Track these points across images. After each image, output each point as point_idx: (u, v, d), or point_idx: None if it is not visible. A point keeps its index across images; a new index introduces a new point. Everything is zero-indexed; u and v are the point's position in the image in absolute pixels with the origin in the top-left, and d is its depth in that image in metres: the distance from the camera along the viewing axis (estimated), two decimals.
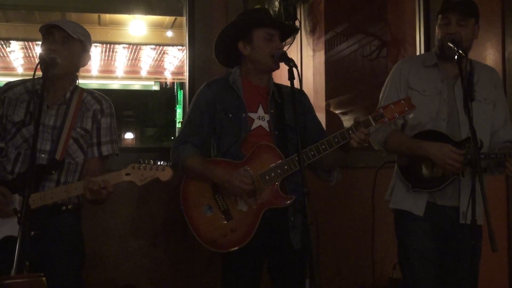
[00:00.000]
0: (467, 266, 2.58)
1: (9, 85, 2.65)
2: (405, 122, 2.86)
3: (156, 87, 12.27)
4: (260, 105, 2.74)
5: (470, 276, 2.55)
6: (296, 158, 2.53)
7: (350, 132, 2.52)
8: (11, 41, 9.27)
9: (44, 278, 1.75)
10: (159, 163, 2.46)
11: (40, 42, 2.64)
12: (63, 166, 2.56)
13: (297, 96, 2.74)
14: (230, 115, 2.70)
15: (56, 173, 2.53)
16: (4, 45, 9.67)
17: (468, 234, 2.42)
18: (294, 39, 3.01)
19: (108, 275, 3.48)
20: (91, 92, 2.72)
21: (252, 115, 2.71)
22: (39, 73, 2.38)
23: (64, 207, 2.55)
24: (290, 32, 2.93)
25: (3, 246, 2.37)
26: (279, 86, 2.82)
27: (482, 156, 2.62)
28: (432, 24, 3.95)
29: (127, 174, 2.45)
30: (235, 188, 2.56)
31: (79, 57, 2.65)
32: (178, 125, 7.94)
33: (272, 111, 2.73)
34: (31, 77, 2.57)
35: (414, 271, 2.79)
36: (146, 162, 2.46)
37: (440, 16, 2.79)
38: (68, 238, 2.59)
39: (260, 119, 2.72)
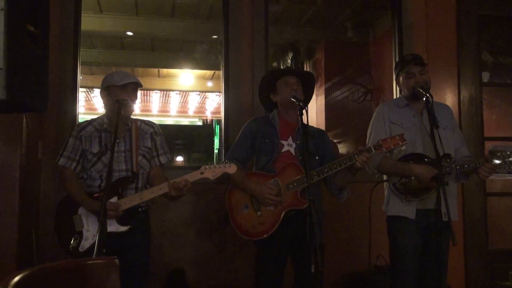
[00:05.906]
0: (445, 254, 2.68)
1: (81, 126, 2.66)
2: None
3: (199, 123, 12.42)
4: (290, 136, 2.78)
5: (445, 261, 2.71)
6: (314, 174, 2.58)
7: (356, 156, 2.53)
8: (94, 89, 9.53)
9: (117, 260, 1.66)
10: (224, 162, 2.49)
11: None
12: (139, 176, 2.63)
13: (320, 133, 2.88)
14: (267, 140, 2.75)
15: (135, 181, 2.60)
16: (89, 92, 9.96)
17: (447, 229, 2.41)
18: (314, 86, 3.03)
19: (164, 260, 3.50)
20: (141, 120, 2.78)
21: (283, 142, 2.76)
22: (100, 112, 2.37)
23: (140, 209, 2.57)
24: (307, 77, 2.94)
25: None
26: (305, 125, 2.78)
27: (458, 167, 2.67)
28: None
29: (201, 173, 2.46)
30: (265, 198, 2.61)
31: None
32: (216, 151, 8.06)
33: (298, 142, 2.76)
34: (94, 117, 2.71)
35: (403, 263, 2.75)
36: (213, 163, 2.49)
37: (404, 71, 2.86)
38: (142, 232, 2.63)
39: (288, 145, 2.76)
